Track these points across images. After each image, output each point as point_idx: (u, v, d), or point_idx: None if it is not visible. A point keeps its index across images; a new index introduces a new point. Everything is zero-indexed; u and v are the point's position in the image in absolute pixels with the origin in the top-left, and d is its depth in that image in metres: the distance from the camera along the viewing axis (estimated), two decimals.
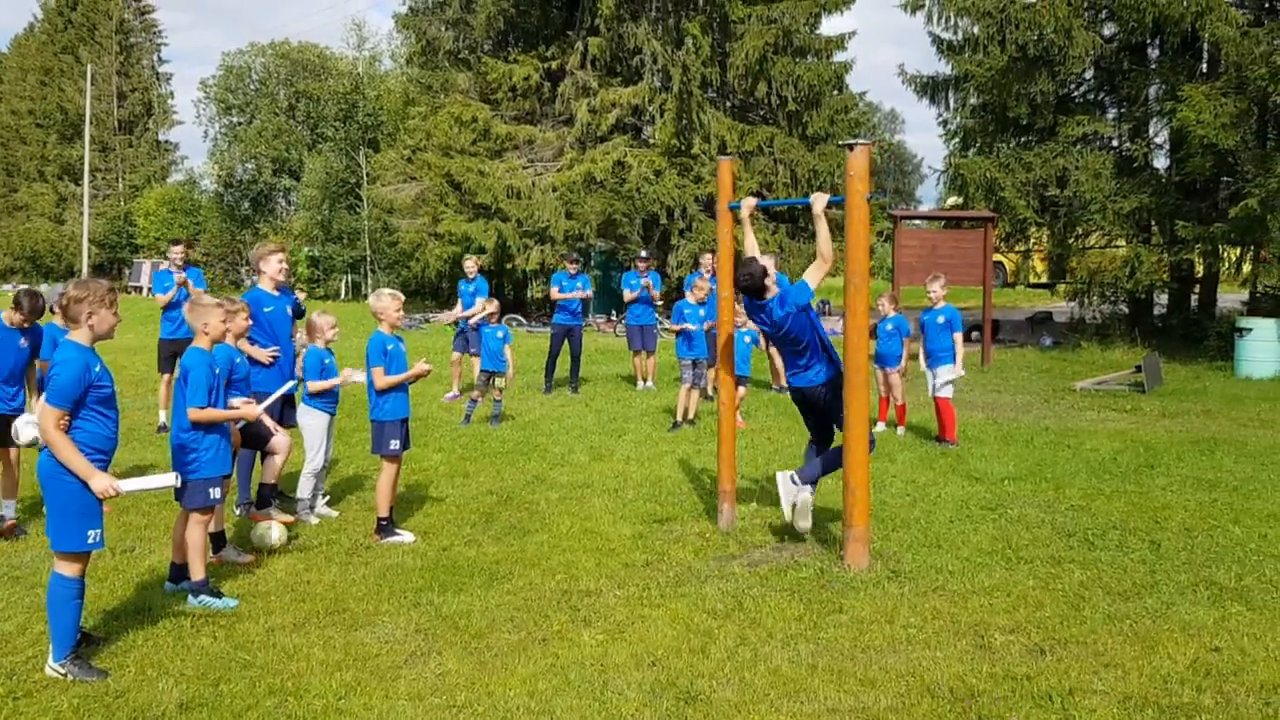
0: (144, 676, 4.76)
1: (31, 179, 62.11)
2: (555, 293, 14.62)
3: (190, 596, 5.76)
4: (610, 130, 28.13)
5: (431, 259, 30.02)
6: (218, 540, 6.57)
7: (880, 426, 11.13)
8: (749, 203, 7.20)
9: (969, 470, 9.18)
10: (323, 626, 5.42)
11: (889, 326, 11.14)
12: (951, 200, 25.77)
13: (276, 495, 7.51)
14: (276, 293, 7.92)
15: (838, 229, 6.75)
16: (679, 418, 11.65)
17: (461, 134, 29.05)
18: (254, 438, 7.23)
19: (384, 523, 7.09)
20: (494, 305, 12.50)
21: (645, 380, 15.00)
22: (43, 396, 4.88)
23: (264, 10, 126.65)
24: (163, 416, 11.10)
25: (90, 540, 4.83)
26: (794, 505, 6.81)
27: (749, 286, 6.76)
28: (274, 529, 6.87)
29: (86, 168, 52.62)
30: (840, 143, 26.93)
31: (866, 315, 6.48)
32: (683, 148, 27.25)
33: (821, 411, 6.98)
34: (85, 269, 51.22)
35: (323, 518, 7.61)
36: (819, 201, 6.68)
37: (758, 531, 7.22)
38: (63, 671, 4.75)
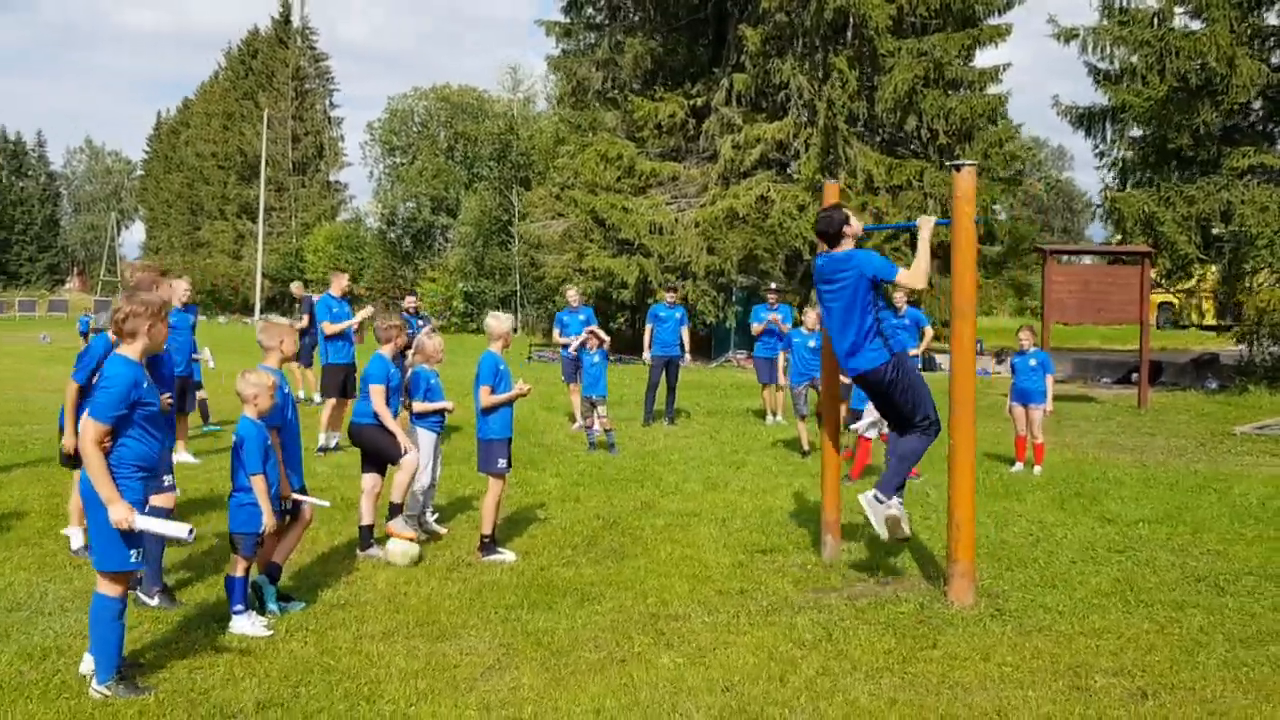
0: (231, 676, 4.91)
1: (213, 217, 66.52)
2: (649, 331, 14.35)
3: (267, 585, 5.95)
4: (754, 165, 28.05)
5: None
6: (365, 534, 7.21)
7: (1018, 466, 10.70)
8: (927, 221, 6.59)
9: (1102, 512, 8.71)
10: (410, 637, 5.51)
11: (1031, 361, 10.73)
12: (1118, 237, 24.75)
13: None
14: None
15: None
16: (806, 447, 11.66)
17: (607, 171, 29.49)
18: (380, 455, 7.37)
19: (487, 540, 7.18)
20: (604, 337, 12.73)
21: (774, 414, 14.83)
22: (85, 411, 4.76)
23: (427, 56, 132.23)
24: (322, 439, 11.41)
25: (133, 560, 4.69)
26: (885, 520, 6.32)
27: (824, 231, 6.48)
28: (405, 552, 6.96)
29: (262, 206, 55.75)
30: (994, 177, 26.00)
31: (973, 347, 6.25)
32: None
33: (888, 397, 6.44)
34: (259, 302, 54.15)
35: (430, 534, 7.76)
36: (926, 225, 6.51)
37: (864, 565, 7.00)
38: (108, 693, 4.62)
